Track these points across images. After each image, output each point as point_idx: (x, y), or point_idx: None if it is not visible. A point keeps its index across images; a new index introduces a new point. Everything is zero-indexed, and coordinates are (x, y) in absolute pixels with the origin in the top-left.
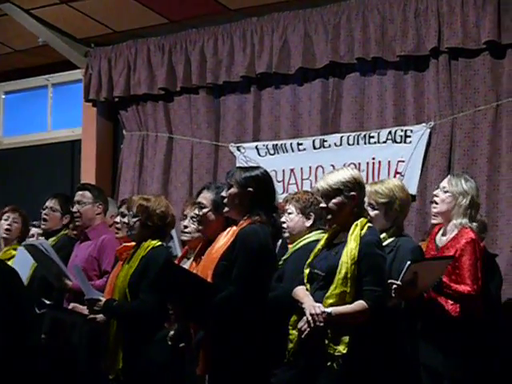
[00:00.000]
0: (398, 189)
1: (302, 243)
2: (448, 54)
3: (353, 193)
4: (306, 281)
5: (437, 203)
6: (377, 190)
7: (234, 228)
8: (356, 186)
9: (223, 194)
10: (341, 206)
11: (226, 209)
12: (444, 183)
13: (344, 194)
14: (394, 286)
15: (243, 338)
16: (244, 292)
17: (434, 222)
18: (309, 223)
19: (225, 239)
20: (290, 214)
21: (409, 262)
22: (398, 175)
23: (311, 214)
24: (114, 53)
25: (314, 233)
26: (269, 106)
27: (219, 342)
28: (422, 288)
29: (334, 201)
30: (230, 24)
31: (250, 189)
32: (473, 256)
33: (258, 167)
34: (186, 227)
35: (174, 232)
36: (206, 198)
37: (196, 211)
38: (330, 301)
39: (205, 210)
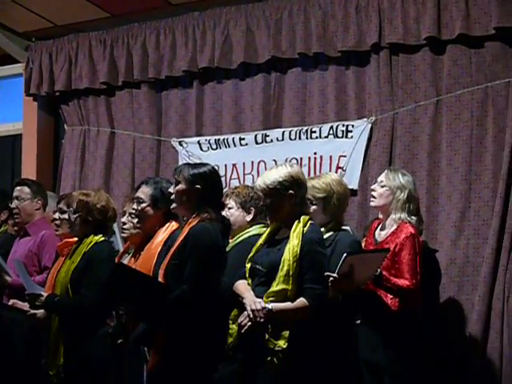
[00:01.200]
0: (335, 183)
1: (242, 237)
2: (389, 49)
3: (290, 191)
4: (247, 275)
5: (375, 197)
6: (314, 184)
7: (173, 223)
8: (293, 183)
9: (170, 190)
10: (278, 204)
11: (174, 205)
12: (381, 177)
13: (281, 192)
14: (331, 278)
15: (195, 335)
16: (196, 290)
17: (381, 216)
18: (249, 218)
19: (164, 235)
20: (230, 208)
21: (345, 255)
22: (339, 170)
23: (251, 208)
24: (55, 47)
25: (254, 227)
26: (211, 101)
27: (171, 339)
28: (358, 281)
29: (271, 199)
30: (171, 18)
31: (198, 186)
32: (412, 251)
33: (205, 164)
34: (124, 224)
35: (115, 227)
36: (144, 192)
37: (134, 206)
38: (271, 297)
39: (143, 205)
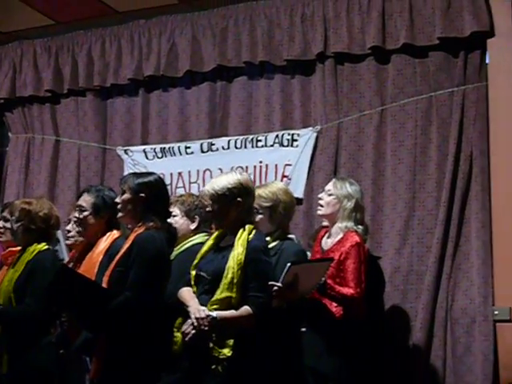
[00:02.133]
0: (281, 192)
1: (186, 245)
2: (334, 58)
3: (238, 198)
4: (192, 283)
5: (322, 206)
6: (260, 194)
7: (115, 232)
8: (242, 191)
9: (117, 200)
10: (226, 210)
11: (120, 214)
12: (329, 186)
13: (229, 199)
14: (275, 288)
15: (138, 343)
16: (140, 297)
17: (324, 224)
18: (193, 226)
19: (105, 243)
20: (174, 216)
21: (289, 264)
22: (285, 179)
23: (196, 216)
24: None
25: (198, 235)
26: (157, 109)
27: (112, 347)
28: (302, 290)
29: (219, 206)
30: (117, 26)
31: (143, 194)
32: (357, 259)
33: (151, 173)
34: (69, 231)
35: (60, 235)
36: (86, 201)
37: (76, 214)
38: (216, 305)
39: (85, 213)
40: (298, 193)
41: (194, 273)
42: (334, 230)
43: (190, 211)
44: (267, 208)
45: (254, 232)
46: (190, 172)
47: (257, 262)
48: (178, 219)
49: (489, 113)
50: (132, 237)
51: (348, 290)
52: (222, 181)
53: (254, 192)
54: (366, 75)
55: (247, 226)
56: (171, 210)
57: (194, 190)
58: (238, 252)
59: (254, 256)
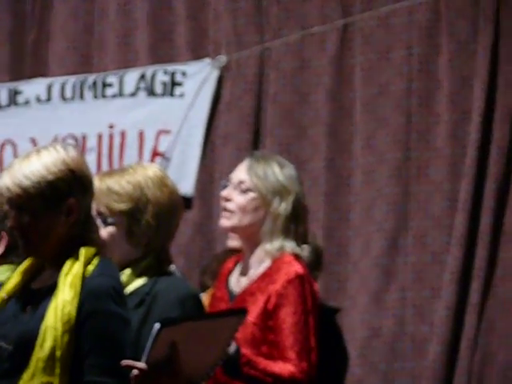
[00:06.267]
0: (151, 183)
1: None
2: None
3: (70, 198)
4: None
5: (230, 211)
6: (111, 186)
7: None
8: (74, 183)
9: None
10: (43, 223)
11: None
12: (240, 173)
13: (51, 201)
14: (134, 371)
15: None
16: None
17: (230, 244)
18: None
19: None
20: None
21: (158, 326)
22: (158, 158)
23: (2, 232)
24: None
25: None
26: None
27: None
28: (192, 372)
29: (30, 215)
30: None
31: None
32: (300, 307)
33: None
34: None
35: None
36: None
37: None
38: None
39: None
40: (185, 186)
41: None
42: (256, 258)
43: None
44: (123, 214)
45: (96, 260)
46: None
47: (100, 317)
48: None
49: None
50: None
51: (284, 367)
52: (34, 166)
53: (91, 183)
54: None
55: (84, 250)
56: None
57: None
58: (63, 300)
59: (95, 306)
